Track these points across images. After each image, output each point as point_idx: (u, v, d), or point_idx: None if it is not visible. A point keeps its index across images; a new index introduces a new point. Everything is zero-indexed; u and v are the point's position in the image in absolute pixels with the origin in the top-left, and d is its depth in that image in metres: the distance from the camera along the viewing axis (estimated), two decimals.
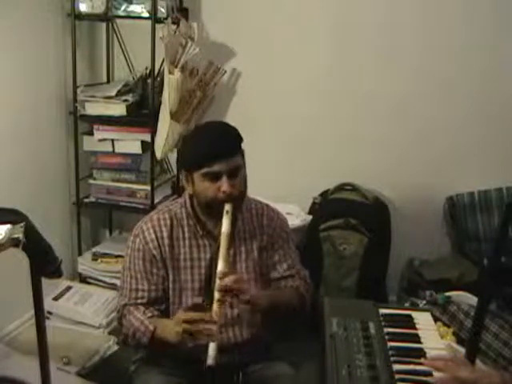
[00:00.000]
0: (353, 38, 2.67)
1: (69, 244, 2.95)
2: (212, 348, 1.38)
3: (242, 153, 1.59)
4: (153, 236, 1.59)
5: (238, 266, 1.63)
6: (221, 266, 1.47)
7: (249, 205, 1.69)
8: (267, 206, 1.74)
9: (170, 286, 1.60)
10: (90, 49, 2.96)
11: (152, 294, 1.59)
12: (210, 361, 1.37)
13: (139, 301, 1.58)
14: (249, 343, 1.63)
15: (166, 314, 1.61)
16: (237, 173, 1.54)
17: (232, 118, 2.91)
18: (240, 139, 1.58)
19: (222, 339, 1.56)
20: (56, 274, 1.68)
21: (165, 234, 1.60)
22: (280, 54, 2.77)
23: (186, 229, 1.62)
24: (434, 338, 1.42)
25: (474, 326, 1.53)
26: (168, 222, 1.61)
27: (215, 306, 1.42)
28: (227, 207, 1.52)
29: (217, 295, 1.43)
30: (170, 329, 1.46)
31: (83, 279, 2.90)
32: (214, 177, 1.51)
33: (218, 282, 1.44)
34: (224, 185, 1.50)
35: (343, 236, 2.50)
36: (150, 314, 1.56)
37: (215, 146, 1.52)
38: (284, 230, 1.72)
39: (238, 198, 1.56)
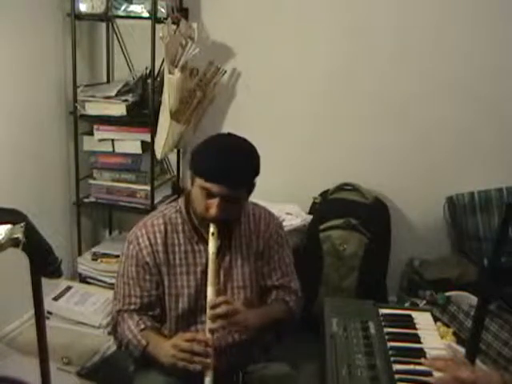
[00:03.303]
0: (355, 38, 2.67)
1: (69, 244, 2.95)
2: (208, 381, 1.39)
3: (251, 186, 1.54)
4: (147, 243, 1.58)
5: (234, 272, 1.62)
6: (210, 293, 1.46)
7: (246, 209, 1.67)
8: (264, 209, 1.73)
9: (166, 291, 1.59)
10: (90, 49, 2.96)
11: (144, 300, 1.58)
12: None
13: (132, 307, 1.58)
14: (247, 344, 1.62)
15: (160, 319, 1.61)
16: (234, 201, 1.49)
17: (232, 118, 2.91)
18: (255, 173, 1.51)
19: (219, 341, 1.56)
20: (56, 274, 1.68)
21: (159, 241, 1.58)
22: (280, 54, 2.77)
23: (180, 234, 1.60)
24: (433, 338, 1.42)
25: (473, 326, 1.53)
26: (162, 227, 1.59)
27: (208, 334, 1.43)
28: (212, 229, 1.49)
29: (209, 324, 1.44)
30: (164, 350, 1.47)
31: (83, 279, 2.90)
32: (209, 194, 1.47)
33: (208, 311, 1.44)
34: (213, 207, 1.46)
35: (343, 236, 2.49)
36: (142, 326, 1.55)
37: (227, 169, 1.45)
38: (280, 234, 1.71)
39: (227, 222, 1.54)
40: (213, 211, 1.47)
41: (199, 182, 1.48)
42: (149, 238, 1.58)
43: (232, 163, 1.46)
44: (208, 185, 1.45)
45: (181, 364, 1.41)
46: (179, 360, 1.41)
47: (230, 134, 1.59)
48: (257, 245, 1.66)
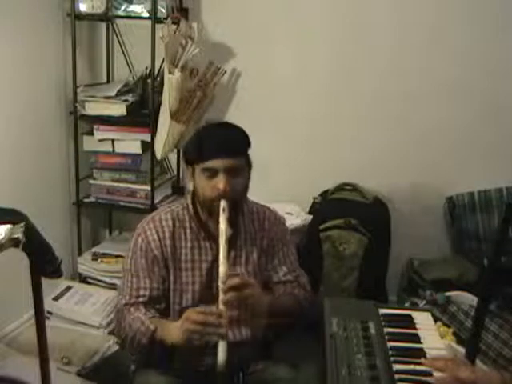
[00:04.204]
0: (355, 38, 2.67)
1: (69, 244, 2.95)
2: (221, 349, 1.37)
3: (246, 157, 1.58)
4: (155, 236, 1.59)
5: (238, 269, 1.63)
6: (223, 267, 1.46)
7: (250, 208, 1.69)
8: (269, 208, 1.74)
9: (171, 287, 1.59)
10: (90, 49, 2.96)
11: (154, 293, 1.58)
12: (220, 367, 1.36)
13: (140, 299, 1.56)
14: (248, 343, 1.63)
15: (165, 314, 1.61)
16: (236, 173, 1.52)
17: (232, 118, 2.90)
18: (246, 143, 1.57)
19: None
20: (56, 274, 1.69)
21: (167, 235, 1.59)
22: (280, 54, 2.77)
23: (188, 230, 1.61)
24: (434, 337, 1.41)
25: (473, 325, 1.53)
26: (170, 222, 1.61)
27: (221, 306, 1.42)
28: (223, 204, 1.51)
29: (222, 296, 1.43)
30: (175, 328, 1.45)
31: (83, 279, 2.90)
32: (212, 173, 1.51)
33: (221, 284, 1.43)
34: (220, 182, 1.50)
35: (343, 236, 2.50)
36: (151, 315, 1.54)
37: (217, 142, 1.52)
38: (284, 233, 1.72)
39: (235, 198, 1.55)
40: (220, 185, 1.50)
41: (200, 166, 1.52)
42: (157, 232, 1.59)
43: (225, 135, 1.56)
44: (209, 163, 1.50)
45: (194, 337, 1.39)
46: (192, 333, 1.39)
47: (215, 122, 1.67)
48: (261, 242, 1.66)
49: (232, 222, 1.56)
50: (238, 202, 1.58)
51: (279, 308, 1.59)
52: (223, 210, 1.50)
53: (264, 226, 1.68)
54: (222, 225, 1.50)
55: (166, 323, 1.52)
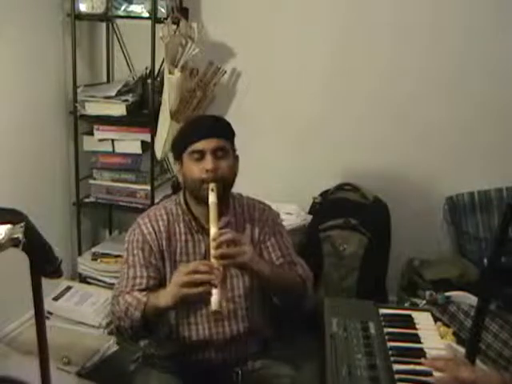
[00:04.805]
0: (355, 38, 2.67)
1: (69, 244, 2.95)
2: (215, 293, 1.35)
3: (232, 145, 1.61)
4: (150, 229, 1.61)
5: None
6: (213, 227, 1.46)
7: (241, 201, 1.70)
8: (259, 201, 1.75)
9: (168, 280, 1.58)
10: (90, 49, 2.96)
11: (150, 282, 1.56)
12: (214, 306, 1.34)
13: (137, 287, 1.54)
14: (245, 338, 1.63)
15: None
16: (223, 155, 1.56)
17: (232, 118, 2.88)
18: (229, 128, 1.63)
19: (217, 334, 1.58)
20: (56, 273, 1.68)
21: (162, 229, 1.61)
22: (280, 54, 2.77)
23: (181, 224, 1.63)
24: (434, 338, 1.42)
25: (473, 326, 1.53)
26: (165, 217, 1.63)
27: (213, 260, 1.41)
28: (212, 185, 1.53)
29: (213, 252, 1.41)
30: (168, 289, 1.44)
31: (83, 279, 2.89)
32: (200, 155, 1.54)
33: (212, 242, 1.43)
34: (208, 163, 1.52)
35: (343, 236, 2.50)
36: (145, 293, 1.52)
37: (202, 126, 1.61)
38: (276, 222, 1.72)
39: (223, 181, 1.56)
40: (208, 166, 1.53)
41: (186, 153, 1.56)
42: (152, 226, 1.61)
43: (209, 119, 1.70)
44: (196, 145, 1.54)
45: (186, 291, 1.38)
46: (184, 286, 1.37)
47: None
48: (251, 233, 1.66)
49: (221, 211, 1.56)
50: (225, 186, 1.58)
51: (281, 275, 1.58)
52: (212, 189, 1.52)
53: (254, 216, 1.68)
54: (212, 199, 1.50)
55: (157, 291, 1.50)
